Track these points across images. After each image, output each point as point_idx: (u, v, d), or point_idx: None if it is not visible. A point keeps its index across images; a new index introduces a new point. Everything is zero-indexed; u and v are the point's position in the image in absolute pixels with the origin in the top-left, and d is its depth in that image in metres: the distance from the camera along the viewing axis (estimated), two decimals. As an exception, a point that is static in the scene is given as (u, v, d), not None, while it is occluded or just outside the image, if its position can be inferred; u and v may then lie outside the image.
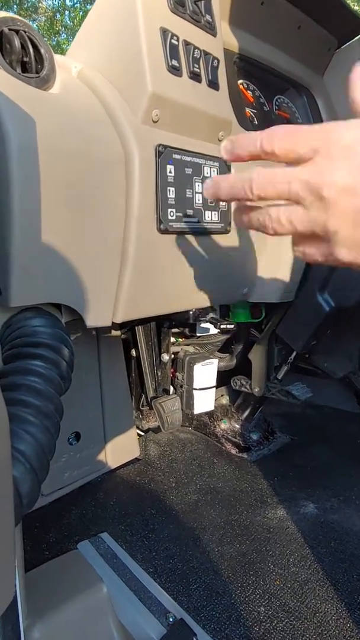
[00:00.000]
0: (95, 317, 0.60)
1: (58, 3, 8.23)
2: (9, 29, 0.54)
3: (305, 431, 1.32)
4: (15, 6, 7.68)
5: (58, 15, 8.15)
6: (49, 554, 0.80)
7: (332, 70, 1.19)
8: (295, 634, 0.66)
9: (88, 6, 7.89)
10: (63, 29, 8.14)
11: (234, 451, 1.20)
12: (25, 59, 0.57)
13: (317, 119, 1.16)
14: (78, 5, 8.16)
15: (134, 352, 1.09)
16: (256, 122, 0.98)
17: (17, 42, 0.54)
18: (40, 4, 8.04)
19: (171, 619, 0.67)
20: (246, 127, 0.88)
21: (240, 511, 0.94)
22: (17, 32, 0.55)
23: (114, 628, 0.65)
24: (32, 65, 0.57)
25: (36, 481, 0.42)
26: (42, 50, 0.57)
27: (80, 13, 7.81)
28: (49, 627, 0.61)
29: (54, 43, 7.70)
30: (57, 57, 0.64)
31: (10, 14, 0.56)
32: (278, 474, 1.09)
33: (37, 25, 7.91)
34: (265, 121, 1.01)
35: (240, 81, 0.99)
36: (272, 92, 1.09)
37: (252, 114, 0.98)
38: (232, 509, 0.95)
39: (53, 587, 0.68)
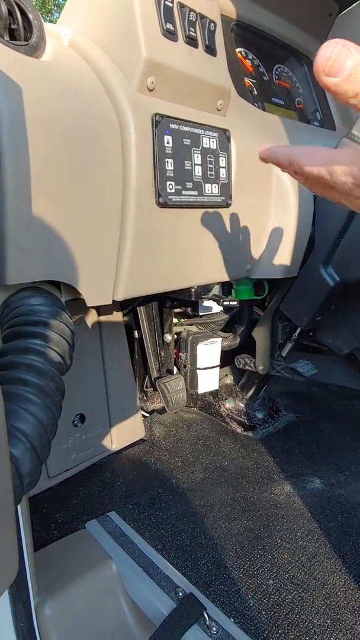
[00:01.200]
0: (95, 295, 0.59)
1: (50, -20, 8.00)
2: (-5, -6, 0.52)
3: (310, 409, 1.32)
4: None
5: (50, -5, 7.93)
6: (58, 534, 0.80)
7: (334, 36, 1.14)
8: (304, 606, 0.66)
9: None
10: (56, 8, 7.93)
11: (239, 430, 1.20)
12: (13, 26, 0.54)
13: (318, 87, 1.12)
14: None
15: (136, 334, 1.08)
16: (255, 92, 0.95)
17: (3, 8, 0.52)
18: (31, -17, 7.82)
19: (180, 594, 0.67)
20: (245, 98, 0.85)
21: (246, 488, 0.94)
22: (3, -3, 0.53)
23: (124, 604, 0.66)
24: (21, 33, 0.54)
25: (37, 460, 0.41)
26: (31, 17, 0.55)
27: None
28: (60, 604, 0.61)
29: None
30: (47, 25, 0.61)
31: (-5, -22, 0.53)
32: (284, 451, 1.09)
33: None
34: (264, 91, 0.98)
35: (238, 49, 0.96)
36: (272, 61, 1.06)
37: (251, 83, 0.95)
38: (238, 486, 0.95)
39: (63, 566, 0.68)
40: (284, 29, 1.05)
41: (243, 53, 0.97)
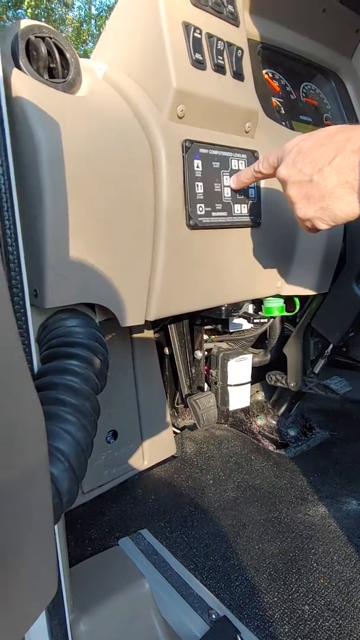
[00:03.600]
0: (129, 316, 0.61)
1: (84, 13, 8.37)
2: (35, 37, 0.56)
3: (344, 427, 1.29)
4: (43, 19, 7.88)
5: (84, 25, 8.28)
6: (92, 550, 0.81)
7: (361, 52, 1.15)
8: (342, 633, 0.64)
9: (114, 13, 7.97)
10: (90, 37, 8.27)
11: (271, 447, 1.18)
12: (51, 65, 0.58)
13: (346, 103, 1.12)
14: (104, 13, 8.27)
15: (167, 351, 1.09)
16: (283, 112, 0.96)
17: (43, 49, 0.56)
18: (67, 16, 8.20)
19: (214, 616, 0.67)
20: (273, 118, 0.86)
21: (280, 508, 0.92)
22: (43, 39, 0.56)
23: (156, 623, 0.66)
24: (59, 70, 0.58)
25: (75, 479, 0.43)
26: (68, 55, 0.58)
27: (107, 21, 7.90)
28: (94, 621, 0.62)
29: (82, 52, 7.84)
30: (83, 61, 0.65)
31: (36, 22, 0.57)
32: (318, 470, 1.07)
33: (64, 36, 8.08)
34: (292, 110, 0.99)
35: (265, 71, 0.97)
36: (299, 79, 1.07)
37: (278, 103, 0.96)
38: (271, 506, 0.93)
39: (96, 582, 0.69)
40: (311, 47, 1.06)
41: (270, 74, 0.98)
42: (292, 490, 0.99)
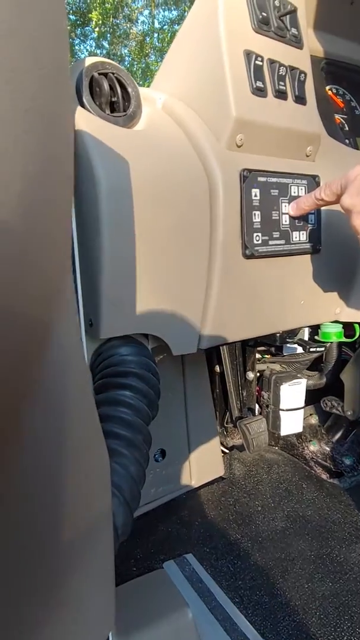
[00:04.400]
0: (181, 345, 0.61)
1: (147, 27, 8.61)
2: (99, 74, 0.57)
3: None
4: (108, 35, 8.21)
5: (147, 39, 8.51)
6: (137, 570, 0.81)
7: None
8: None
9: (175, 26, 8.15)
10: (152, 50, 8.49)
11: (324, 476, 1.13)
12: (113, 99, 0.59)
13: None
14: (166, 27, 8.46)
15: (217, 369, 1.08)
16: (347, 129, 0.92)
17: (106, 85, 0.57)
18: (131, 30, 8.48)
19: (259, 657, 0.64)
20: (336, 136, 0.83)
21: (332, 545, 0.88)
22: (105, 75, 0.58)
23: (199, 657, 0.64)
24: (120, 104, 0.59)
25: (130, 513, 0.43)
26: (129, 89, 0.60)
27: (169, 35, 8.08)
28: (137, 647, 0.62)
29: (144, 65, 8.07)
30: (142, 91, 0.66)
31: (100, 59, 0.59)
32: (375, 505, 1.00)
33: (128, 50, 8.37)
34: (356, 126, 0.95)
35: (328, 87, 0.94)
36: (365, 93, 1.02)
37: (341, 120, 0.93)
38: (323, 541, 0.89)
39: (140, 605, 0.69)
40: (378, 59, 1.01)
41: (334, 90, 0.95)
42: (346, 525, 0.94)
